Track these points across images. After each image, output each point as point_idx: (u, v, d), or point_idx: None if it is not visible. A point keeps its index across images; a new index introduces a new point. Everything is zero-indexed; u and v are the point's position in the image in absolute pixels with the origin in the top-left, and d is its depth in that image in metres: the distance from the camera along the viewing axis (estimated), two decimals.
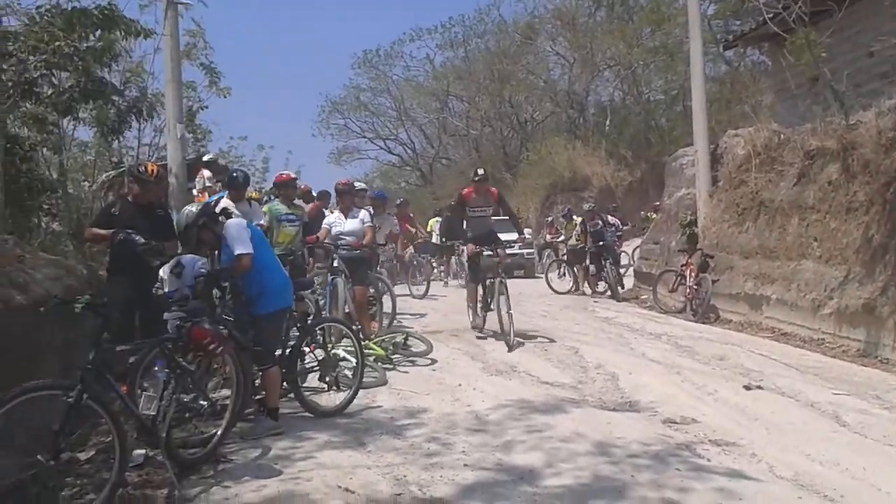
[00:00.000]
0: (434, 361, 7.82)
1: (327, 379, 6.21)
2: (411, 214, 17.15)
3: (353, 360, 7.01)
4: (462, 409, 6.07)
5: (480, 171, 9.54)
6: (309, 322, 6.51)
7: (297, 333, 6.21)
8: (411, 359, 7.91)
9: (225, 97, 14.17)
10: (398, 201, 16.79)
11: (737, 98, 22.76)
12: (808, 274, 8.99)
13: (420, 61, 41.85)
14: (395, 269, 14.69)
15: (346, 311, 8.38)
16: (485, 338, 9.11)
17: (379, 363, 7.35)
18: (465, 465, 4.73)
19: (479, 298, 9.30)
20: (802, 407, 5.95)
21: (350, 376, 6.89)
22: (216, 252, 5.67)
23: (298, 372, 6.02)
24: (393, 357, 7.74)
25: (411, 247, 15.87)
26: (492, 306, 8.98)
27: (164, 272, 5.60)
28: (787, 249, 9.52)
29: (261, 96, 70.35)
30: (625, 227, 17.80)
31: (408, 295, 13.65)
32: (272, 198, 10.14)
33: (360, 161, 45.07)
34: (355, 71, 40.89)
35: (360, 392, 6.56)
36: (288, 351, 5.93)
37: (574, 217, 17.49)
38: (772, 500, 4.09)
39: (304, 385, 6.17)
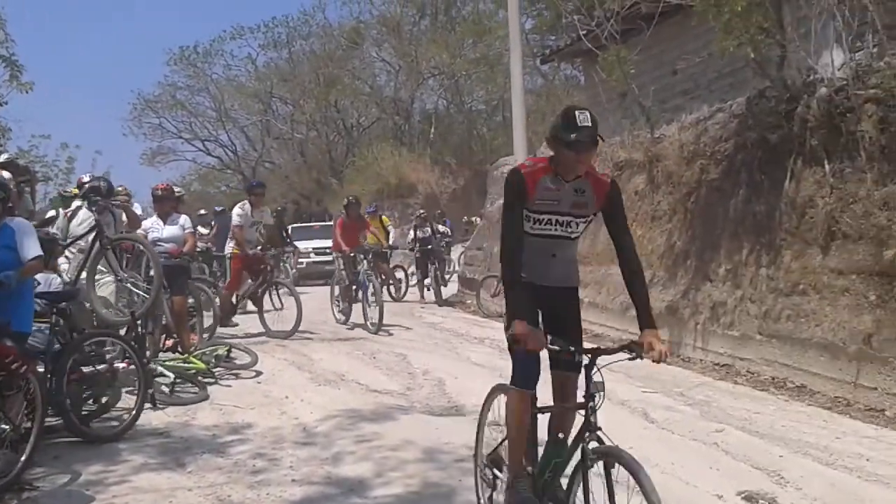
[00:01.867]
0: (259, 373, 7.60)
1: (104, 400, 5.70)
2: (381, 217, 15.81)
3: (171, 375, 6.71)
4: (289, 423, 5.93)
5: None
6: (75, 337, 5.64)
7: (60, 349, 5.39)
8: (235, 372, 7.64)
9: (27, 92, 12.93)
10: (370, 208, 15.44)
11: (552, 111, 23.90)
12: (617, 278, 9.52)
13: (241, 61, 40.53)
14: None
15: (164, 322, 7.95)
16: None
17: (199, 377, 7.03)
18: (293, 480, 4.63)
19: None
20: (615, 405, 6.31)
21: (168, 392, 6.57)
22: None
23: (71, 393, 5.31)
24: (215, 370, 7.42)
25: None
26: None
27: None
28: (599, 255, 10.11)
29: (67, 91, 65.29)
30: (448, 239, 17.99)
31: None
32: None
33: (176, 163, 42.95)
34: (171, 68, 38.84)
35: (180, 409, 6.27)
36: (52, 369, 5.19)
37: (382, 216, 16.13)
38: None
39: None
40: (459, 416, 6.09)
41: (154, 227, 8.40)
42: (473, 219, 21.01)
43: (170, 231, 8.37)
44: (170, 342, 7.97)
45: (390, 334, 10.16)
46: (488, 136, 31.36)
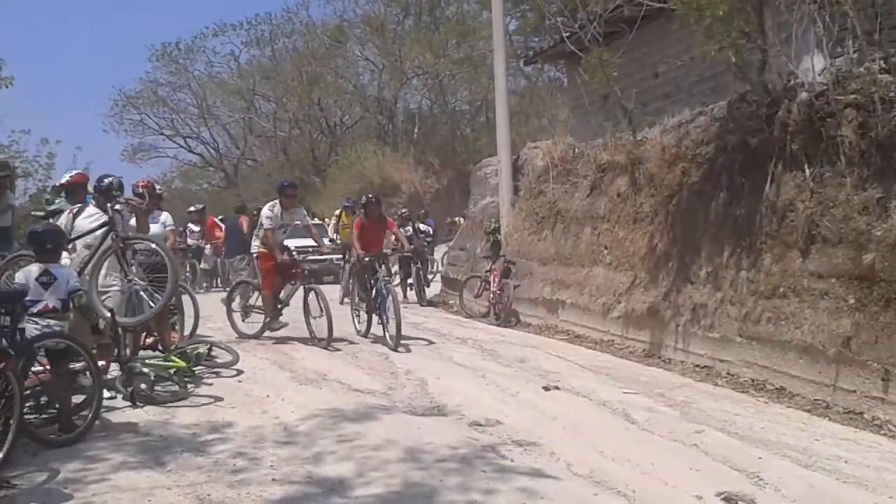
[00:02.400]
0: (240, 372, 7.54)
1: (57, 405, 5.52)
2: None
3: (152, 373, 6.65)
4: (270, 422, 5.89)
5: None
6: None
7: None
8: (216, 370, 7.59)
9: (7, 87, 12.80)
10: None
11: (535, 112, 24.01)
12: (599, 279, 9.65)
13: (224, 57, 40.32)
14: None
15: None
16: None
17: (180, 376, 6.96)
18: (274, 479, 4.60)
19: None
20: (596, 406, 6.37)
21: (148, 391, 6.51)
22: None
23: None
24: (195, 369, 7.37)
25: None
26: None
27: (24, 277, 5.45)
28: (581, 256, 10.17)
29: (48, 87, 64.50)
30: (430, 238, 17.94)
31: None
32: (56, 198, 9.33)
33: (157, 159, 42.62)
34: (153, 64, 38.54)
35: (160, 407, 6.22)
36: None
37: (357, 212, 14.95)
38: (570, 497, 4.33)
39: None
40: (441, 416, 6.10)
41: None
42: (456, 219, 21.02)
43: (151, 229, 8.30)
44: (150, 340, 7.92)
45: (372, 334, 10.13)
46: (472, 136, 31.41)
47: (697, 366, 7.70)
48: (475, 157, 22.19)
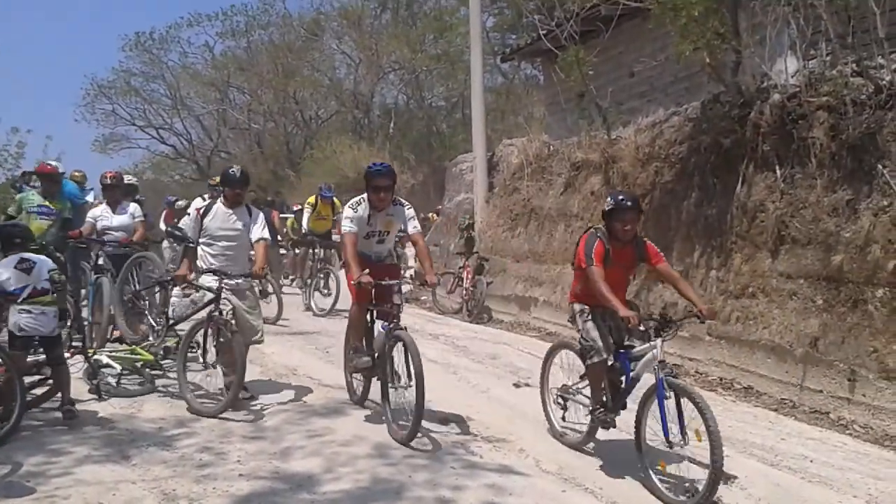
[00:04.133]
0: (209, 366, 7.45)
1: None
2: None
3: (118, 366, 6.57)
4: (238, 416, 5.83)
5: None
6: None
7: None
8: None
9: None
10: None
11: (511, 109, 24.01)
12: (571, 277, 9.65)
13: (198, 48, 39.87)
14: None
15: (111, 312, 7.76)
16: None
17: (147, 369, 6.86)
18: (241, 475, 4.55)
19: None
20: None
21: (114, 384, 6.42)
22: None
23: None
24: (163, 362, 7.26)
25: None
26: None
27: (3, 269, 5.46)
28: (554, 254, 10.18)
29: (17, 73, 63.32)
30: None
31: None
32: (24, 187, 9.18)
33: (129, 150, 42.09)
34: (126, 53, 37.94)
35: (126, 401, 6.13)
36: None
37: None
38: (538, 494, 4.34)
39: None
40: None
41: (103, 216, 8.23)
42: (430, 214, 20.95)
43: (119, 220, 8.23)
44: (117, 332, 7.80)
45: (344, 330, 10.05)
46: (447, 132, 31.28)
47: None
48: (451, 154, 22.12)
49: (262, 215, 6.55)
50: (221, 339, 6.07)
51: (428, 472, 4.60)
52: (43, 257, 5.77)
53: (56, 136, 57.65)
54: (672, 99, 10.06)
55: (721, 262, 7.32)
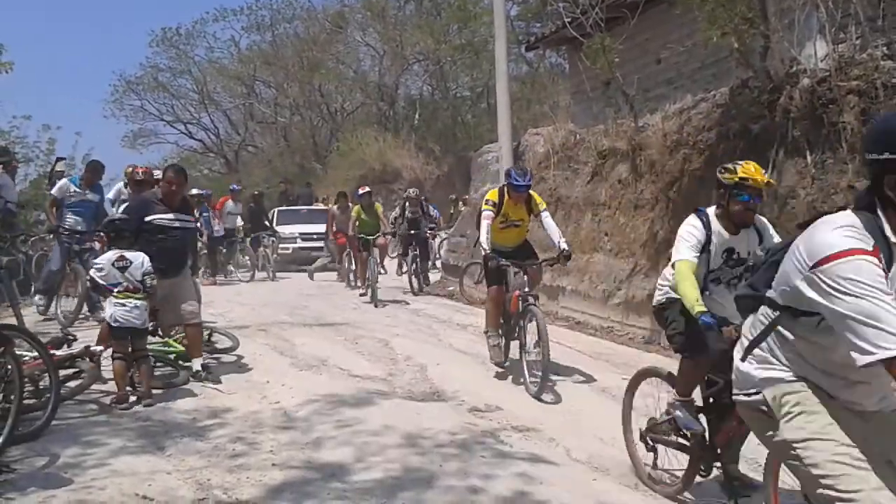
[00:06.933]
0: (240, 358, 7.56)
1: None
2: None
3: (152, 358, 6.65)
4: (269, 407, 5.91)
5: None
6: None
7: None
8: (216, 356, 7.59)
9: (8, 72, 12.70)
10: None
11: (536, 98, 23.89)
12: (599, 266, 9.64)
13: (225, 43, 40.15)
14: None
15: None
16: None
17: (179, 361, 6.97)
18: (273, 464, 4.61)
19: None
20: (595, 392, 6.38)
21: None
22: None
23: None
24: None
25: None
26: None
27: (102, 262, 6.06)
28: (581, 243, 10.14)
29: (49, 72, 64.17)
30: (432, 226, 17.19)
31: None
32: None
33: (158, 145, 42.52)
34: (153, 49, 38.37)
35: (159, 392, 6.22)
36: None
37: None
38: (569, 482, 4.34)
39: None
40: (441, 401, 6.11)
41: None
42: (456, 197, 20.80)
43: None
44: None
45: (373, 320, 10.12)
46: (472, 122, 31.26)
47: None
48: (476, 144, 22.11)
49: None
50: None
51: (458, 462, 4.63)
52: (140, 255, 6.14)
53: (85, 132, 58.35)
54: (699, 85, 9.96)
55: None
